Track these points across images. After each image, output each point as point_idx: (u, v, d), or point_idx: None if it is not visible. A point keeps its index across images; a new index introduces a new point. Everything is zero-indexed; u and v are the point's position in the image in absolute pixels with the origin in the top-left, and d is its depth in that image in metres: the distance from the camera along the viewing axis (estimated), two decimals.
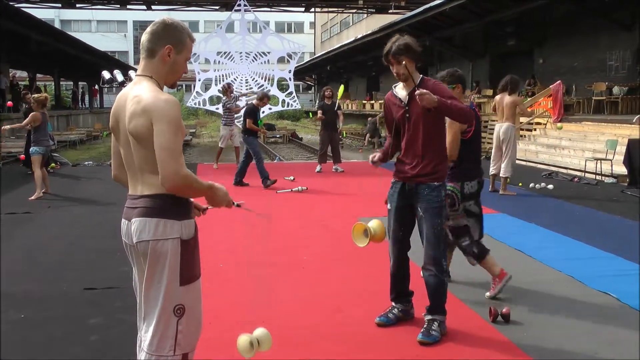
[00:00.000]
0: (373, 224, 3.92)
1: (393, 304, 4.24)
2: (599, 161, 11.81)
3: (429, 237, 3.93)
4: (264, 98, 11.38)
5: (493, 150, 9.97)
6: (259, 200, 9.24)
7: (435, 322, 3.95)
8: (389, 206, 4.11)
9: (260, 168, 10.68)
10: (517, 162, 14.40)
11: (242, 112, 12.85)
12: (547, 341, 3.92)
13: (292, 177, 11.55)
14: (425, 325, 3.96)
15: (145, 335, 2.56)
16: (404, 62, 3.85)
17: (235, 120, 13.82)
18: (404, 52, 3.86)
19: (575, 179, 11.59)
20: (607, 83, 17.61)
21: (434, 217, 3.91)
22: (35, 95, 10.35)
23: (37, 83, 35.58)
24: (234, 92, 13.27)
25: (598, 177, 11.67)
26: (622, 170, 11.29)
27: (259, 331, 3.19)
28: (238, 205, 2.83)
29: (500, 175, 9.76)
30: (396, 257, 4.13)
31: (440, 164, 3.98)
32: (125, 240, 2.62)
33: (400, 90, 4.04)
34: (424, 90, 3.74)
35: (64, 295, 4.91)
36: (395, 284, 4.21)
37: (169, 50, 2.56)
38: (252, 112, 11.05)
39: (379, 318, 4.17)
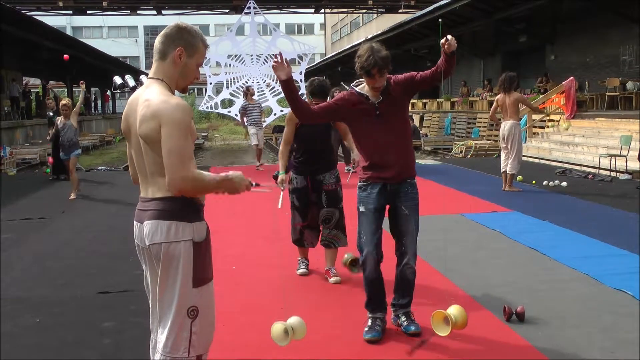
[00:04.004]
0: (454, 310, 3.63)
1: (377, 314, 4.02)
2: (613, 157, 11.70)
3: (413, 234, 3.93)
4: None
5: (501, 149, 9.94)
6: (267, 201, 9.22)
7: (412, 313, 4.05)
8: (362, 209, 3.98)
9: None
10: (531, 159, 14.41)
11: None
12: (562, 340, 3.89)
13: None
14: (406, 318, 4.01)
15: (159, 337, 2.57)
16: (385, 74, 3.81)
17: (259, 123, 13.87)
18: (389, 63, 3.80)
19: (589, 176, 11.49)
20: (620, 78, 17.46)
21: (417, 214, 3.97)
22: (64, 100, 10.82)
23: (52, 90, 35.82)
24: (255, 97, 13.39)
25: (612, 174, 11.57)
26: (636, 166, 11.18)
27: (294, 319, 3.16)
28: (257, 185, 2.76)
29: (507, 172, 9.72)
30: (376, 261, 3.94)
31: (414, 155, 4.09)
32: (138, 242, 2.63)
33: (365, 91, 3.92)
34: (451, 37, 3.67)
35: (78, 299, 4.94)
36: (374, 292, 4.01)
37: (180, 52, 2.57)
38: None
39: (370, 335, 3.92)
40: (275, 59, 3.77)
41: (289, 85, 3.80)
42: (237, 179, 2.60)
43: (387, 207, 4.02)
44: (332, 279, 5.20)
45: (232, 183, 2.58)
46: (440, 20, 4.45)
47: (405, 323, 4.01)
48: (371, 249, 3.93)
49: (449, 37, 3.66)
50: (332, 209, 5.20)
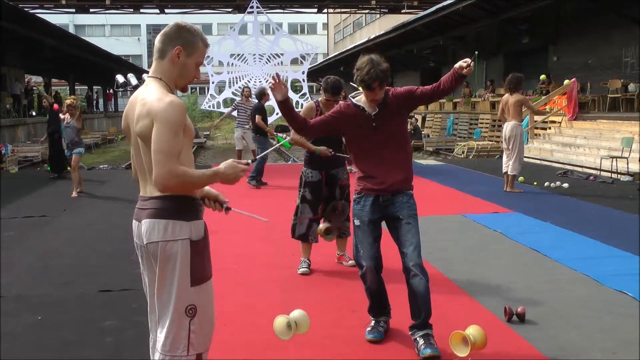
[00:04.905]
0: (472, 330, 3.51)
1: (381, 317, 4.03)
2: (614, 159, 11.69)
3: (416, 243, 3.79)
4: (264, 95, 11.26)
5: (503, 150, 9.95)
6: (271, 200, 9.23)
7: (432, 337, 3.73)
8: (357, 222, 3.93)
9: (258, 167, 10.94)
10: (533, 161, 14.40)
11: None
12: (563, 341, 3.89)
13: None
14: (424, 342, 3.69)
15: (158, 336, 2.57)
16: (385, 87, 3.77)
17: (246, 125, 13.69)
18: (389, 76, 3.75)
19: (591, 178, 11.49)
20: (622, 80, 17.43)
21: (417, 223, 3.85)
22: (68, 100, 10.83)
23: (52, 88, 35.89)
24: (251, 98, 13.21)
25: (614, 176, 11.55)
26: (638, 168, 11.17)
27: (297, 313, 3.14)
28: (249, 163, 2.70)
29: (509, 173, 9.73)
30: (375, 274, 3.88)
31: (411, 171, 3.97)
32: (137, 241, 2.64)
33: (362, 102, 3.87)
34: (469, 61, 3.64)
35: (79, 297, 4.95)
36: (376, 300, 3.99)
37: (179, 52, 2.56)
38: (260, 109, 11.07)
39: (372, 335, 3.94)
40: (273, 81, 3.82)
41: (286, 105, 3.89)
42: (229, 171, 2.57)
43: (384, 220, 3.94)
44: (349, 263, 5.62)
45: (225, 176, 2.57)
46: (476, 52, 4.43)
47: (422, 346, 3.68)
48: (369, 261, 3.87)
49: (471, 62, 3.64)
50: (347, 202, 5.55)
